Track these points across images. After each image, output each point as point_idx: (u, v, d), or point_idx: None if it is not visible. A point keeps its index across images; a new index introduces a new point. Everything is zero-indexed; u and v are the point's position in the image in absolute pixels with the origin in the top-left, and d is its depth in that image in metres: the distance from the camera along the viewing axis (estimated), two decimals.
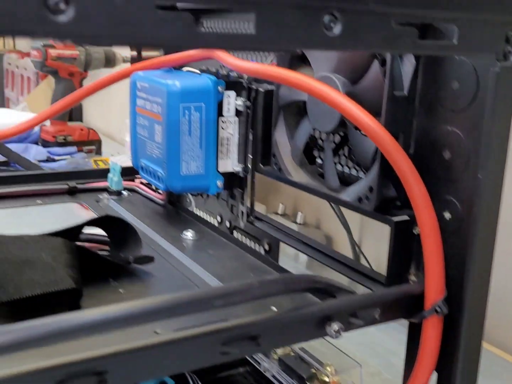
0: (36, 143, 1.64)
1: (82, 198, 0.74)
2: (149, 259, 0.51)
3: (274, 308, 0.47)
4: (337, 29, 0.32)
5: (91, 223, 0.51)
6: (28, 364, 0.33)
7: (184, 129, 0.62)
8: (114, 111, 2.14)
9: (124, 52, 1.70)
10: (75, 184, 0.75)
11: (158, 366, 0.37)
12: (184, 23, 0.28)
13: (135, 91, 0.69)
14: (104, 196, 0.75)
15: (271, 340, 0.41)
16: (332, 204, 1.00)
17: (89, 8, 0.26)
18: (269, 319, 0.40)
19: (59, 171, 0.78)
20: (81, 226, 0.51)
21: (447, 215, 0.46)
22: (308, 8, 0.31)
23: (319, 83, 0.46)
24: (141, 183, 0.79)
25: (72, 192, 0.75)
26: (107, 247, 0.54)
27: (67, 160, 1.55)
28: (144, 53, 1.36)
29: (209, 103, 0.62)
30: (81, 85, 1.64)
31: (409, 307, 0.46)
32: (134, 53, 1.42)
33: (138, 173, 0.79)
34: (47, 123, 1.78)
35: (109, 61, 1.65)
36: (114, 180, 0.75)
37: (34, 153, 1.54)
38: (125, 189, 0.77)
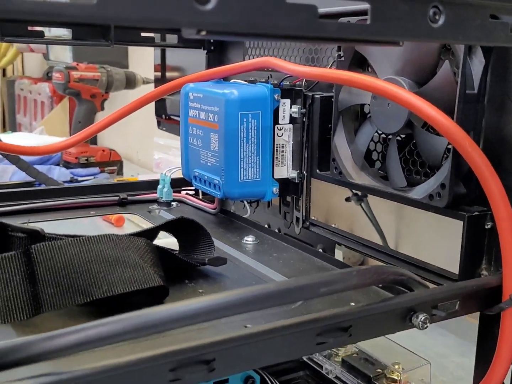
0: (58, 164, 1.66)
1: (133, 209, 0.75)
2: (222, 261, 0.52)
3: (353, 304, 0.47)
4: (440, 21, 0.33)
5: (167, 225, 0.52)
6: (143, 353, 0.34)
7: (242, 136, 0.63)
8: (130, 133, 2.16)
9: (143, 73, 1.73)
10: (125, 196, 0.76)
11: (261, 354, 0.38)
12: (309, 14, 0.29)
13: (187, 102, 0.71)
14: (155, 207, 0.76)
15: (362, 331, 0.42)
16: (367, 212, 1.01)
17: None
18: (361, 311, 0.41)
19: (111, 183, 0.79)
20: (158, 228, 0.52)
21: None
22: (417, 1, 0.32)
23: (394, 85, 0.47)
24: (187, 193, 0.81)
25: (122, 204, 0.76)
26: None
27: (91, 181, 1.56)
28: (168, 74, 1.38)
29: (265, 110, 0.64)
30: (102, 106, 1.66)
31: (487, 300, 0.47)
32: (158, 73, 1.44)
33: (184, 185, 0.81)
34: None
35: (130, 83, 1.67)
36: (164, 191, 0.76)
37: (57, 174, 1.56)
38: (173, 200, 0.78)
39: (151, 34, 0.80)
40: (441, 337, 0.82)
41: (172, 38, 0.83)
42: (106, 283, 0.42)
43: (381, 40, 0.32)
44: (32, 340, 0.31)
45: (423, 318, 0.43)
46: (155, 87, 1.57)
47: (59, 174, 1.56)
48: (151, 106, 1.87)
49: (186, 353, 0.35)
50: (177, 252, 0.53)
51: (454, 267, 0.54)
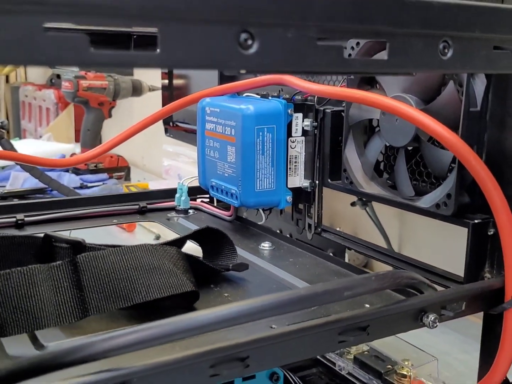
0: (67, 171, 1.69)
1: (152, 217, 0.79)
2: (245, 266, 0.56)
3: (367, 306, 0.52)
4: (449, 53, 0.37)
5: (194, 234, 0.57)
6: (188, 351, 0.38)
7: (258, 149, 0.67)
8: (134, 139, 2.20)
9: (149, 81, 1.76)
10: (145, 204, 0.80)
11: (290, 352, 0.42)
12: (337, 53, 0.34)
13: (203, 116, 0.75)
14: (173, 214, 0.80)
15: (378, 330, 0.46)
16: (372, 217, 1.06)
17: (268, 42, 0.31)
18: (377, 312, 0.45)
19: (130, 193, 0.83)
20: (186, 237, 0.56)
21: None
22: (429, 37, 0.37)
23: (403, 104, 0.51)
24: (202, 201, 0.85)
25: (142, 212, 0.80)
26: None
27: (100, 186, 1.60)
28: (175, 81, 1.43)
29: (280, 124, 0.68)
30: (110, 114, 1.70)
31: (490, 300, 0.52)
32: (165, 81, 1.48)
33: (199, 193, 0.86)
34: (77, 150, 1.84)
35: (136, 90, 1.71)
36: (182, 200, 0.80)
37: (67, 180, 1.59)
38: (190, 207, 0.82)
39: None
40: (444, 335, 0.86)
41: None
42: (145, 289, 0.46)
43: (397, 72, 0.37)
44: (93, 340, 0.35)
45: (433, 318, 0.47)
46: (162, 94, 1.61)
47: (69, 180, 1.59)
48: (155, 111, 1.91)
49: (224, 351, 0.39)
50: (202, 259, 0.57)
51: (456, 269, 0.58)
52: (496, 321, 0.53)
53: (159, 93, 1.60)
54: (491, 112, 0.53)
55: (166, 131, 1.34)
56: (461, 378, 0.77)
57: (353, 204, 1.01)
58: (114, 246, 0.50)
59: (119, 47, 0.28)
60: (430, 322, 0.47)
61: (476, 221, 0.53)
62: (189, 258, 0.53)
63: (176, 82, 1.36)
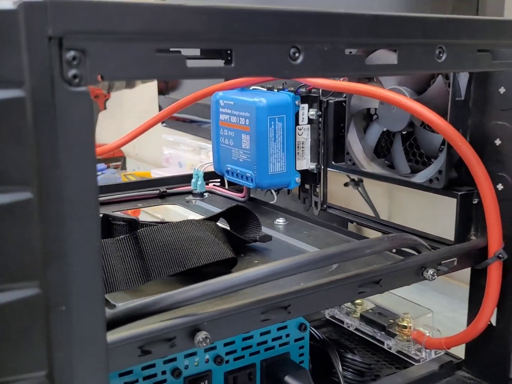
0: None
1: (172, 200, 0.89)
2: (269, 238, 0.66)
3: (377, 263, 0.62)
4: (443, 57, 0.47)
5: (226, 212, 0.66)
6: (244, 300, 0.48)
7: (271, 136, 0.77)
8: (126, 129, 2.27)
9: None
10: (165, 189, 0.89)
11: (321, 301, 0.52)
12: (359, 61, 0.43)
13: (218, 108, 0.84)
14: (190, 197, 0.89)
15: (389, 283, 0.56)
16: (363, 195, 1.15)
17: (310, 54, 0.41)
18: (388, 268, 0.55)
19: (151, 179, 0.92)
20: (219, 214, 0.65)
21: (499, 187, 0.61)
22: (427, 45, 0.46)
23: (399, 95, 0.61)
24: (214, 185, 0.94)
25: (162, 196, 0.89)
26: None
27: (99, 176, 1.68)
28: None
29: (289, 114, 0.77)
30: (105, 106, 1.78)
31: (476, 257, 0.62)
32: None
33: (210, 178, 0.95)
34: None
35: (129, 82, 1.79)
36: (198, 184, 0.90)
37: None
38: (205, 191, 0.91)
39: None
40: (434, 298, 0.97)
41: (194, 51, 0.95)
42: (195, 257, 0.55)
43: (403, 73, 0.46)
44: (170, 294, 0.45)
45: (432, 272, 0.57)
46: (158, 86, 1.70)
47: None
48: (150, 104, 1.99)
49: (272, 301, 0.49)
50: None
51: (444, 235, 0.68)
52: (482, 275, 0.63)
53: (147, 86, 1.68)
54: (473, 100, 0.63)
55: (162, 121, 1.42)
56: (451, 332, 0.88)
57: (346, 184, 1.10)
58: (162, 223, 0.59)
59: (206, 62, 0.37)
60: (430, 275, 0.57)
61: (463, 192, 0.64)
62: (225, 231, 0.62)
63: None
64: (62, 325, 0.35)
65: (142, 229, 0.55)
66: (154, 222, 0.61)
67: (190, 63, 0.37)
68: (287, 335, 0.59)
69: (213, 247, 0.57)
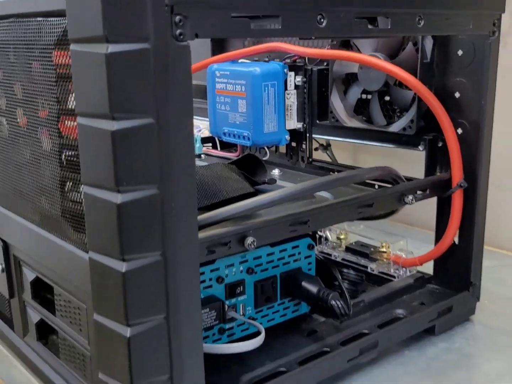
0: None
1: None
2: (275, 180, 0.80)
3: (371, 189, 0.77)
4: (422, 23, 0.62)
5: (238, 160, 0.79)
6: (276, 215, 0.61)
7: (265, 100, 0.90)
8: None
9: None
10: None
11: (331, 219, 0.66)
12: (365, 25, 0.57)
13: (214, 78, 0.97)
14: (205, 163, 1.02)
15: (380, 206, 0.71)
16: (331, 157, 1.29)
17: (331, 20, 0.55)
18: (379, 193, 0.70)
19: None
20: (235, 162, 0.79)
21: (459, 131, 0.77)
22: (411, 13, 0.61)
23: (378, 59, 0.76)
24: (207, 149, 1.07)
25: None
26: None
27: None
28: None
29: (279, 81, 0.91)
30: None
31: (443, 188, 0.78)
32: None
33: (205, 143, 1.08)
34: None
35: None
36: (196, 146, 1.02)
37: None
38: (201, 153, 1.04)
39: None
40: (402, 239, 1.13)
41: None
42: (225, 191, 0.69)
43: (390, 36, 0.61)
44: (221, 211, 0.58)
45: (411, 197, 0.73)
46: None
47: None
48: None
49: (297, 216, 0.63)
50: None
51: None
52: (446, 203, 0.79)
53: None
54: (437, 62, 0.78)
55: None
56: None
57: (316, 149, 1.26)
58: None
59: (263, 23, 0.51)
60: (409, 200, 0.73)
61: (430, 137, 0.79)
62: (241, 173, 0.75)
63: None
64: (171, 218, 0.48)
65: None
66: None
67: (253, 26, 0.50)
68: (299, 253, 0.73)
69: (237, 184, 0.70)
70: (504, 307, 0.87)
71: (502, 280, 0.97)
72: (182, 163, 0.48)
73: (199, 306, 0.52)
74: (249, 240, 0.59)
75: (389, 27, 0.59)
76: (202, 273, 0.64)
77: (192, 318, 0.52)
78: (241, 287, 0.68)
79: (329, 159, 1.28)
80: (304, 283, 0.70)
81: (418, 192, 0.76)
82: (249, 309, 0.69)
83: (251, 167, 0.80)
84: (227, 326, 0.67)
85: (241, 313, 0.68)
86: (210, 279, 0.65)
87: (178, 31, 0.46)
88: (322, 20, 0.54)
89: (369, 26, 0.58)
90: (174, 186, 0.48)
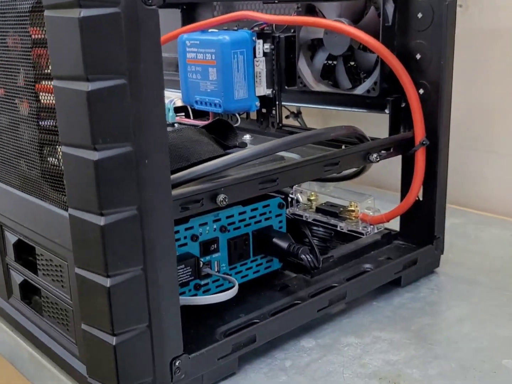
0: None
1: None
2: (245, 144, 0.83)
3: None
4: None
5: (209, 124, 0.82)
6: (246, 173, 0.65)
7: (234, 67, 0.93)
8: None
9: None
10: None
11: (299, 176, 0.70)
12: None
13: (184, 48, 0.99)
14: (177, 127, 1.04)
15: (345, 164, 0.74)
16: (302, 124, 1.33)
17: None
18: (345, 152, 0.74)
19: None
20: (205, 126, 0.81)
21: (421, 91, 0.81)
22: None
23: (343, 23, 0.79)
24: (180, 118, 1.09)
25: None
26: None
27: None
28: None
29: (248, 48, 0.93)
30: None
31: (406, 146, 0.82)
32: None
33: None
34: None
35: None
36: (169, 115, 1.05)
37: None
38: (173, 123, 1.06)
39: None
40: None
41: None
42: (197, 153, 0.72)
43: None
44: (193, 170, 0.61)
45: (375, 155, 0.77)
46: None
47: None
48: None
49: (265, 174, 0.66)
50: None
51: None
52: (410, 161, 0.83)
53: None
54: (398, 25, 0.81)
55: None
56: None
57: (287, 117, 1.29)
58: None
59: None
60: (374, 158, 0.76)
61: (393, 97, 0.83)
62: (213, 137, 0.78)
63: None
64: (146, 174, 0.51)
65: None
66: None
67: None
68: (270, 212, 0.76)
69: (208, 147, 0.73)
70: (467, 259, 0.92)
71: (466, 235, 1.02)
72: (153, 122, 0.51)
73: (175, 258, 0.55)
74: (221, 197, 0.62)
75: None
76: (177, 232, 0.67)
77: (168, 269, 0.55)
78: (215, 245, 0.71)
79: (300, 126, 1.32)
80: (275, 240, 0.74)
81: (382, 151, 0.79)
82: (224, 265, 0.73)
83: (222, 131, 0.83)
84: (203, 282, 0.70)
85: (216, 269, 0.72)
86: (185, 237, 0.68)
87: None
88: None
89: None
90: (147, 144, 0.51)
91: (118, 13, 0.47)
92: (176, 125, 1.06)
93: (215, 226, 0.71)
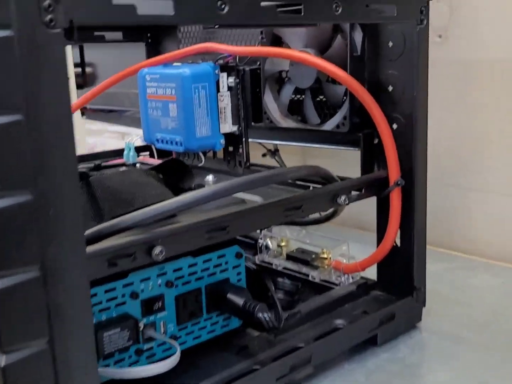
0: None
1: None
2: (202, 186, 0.75)
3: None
4: (340, 10, 0.58)
5: (163, 164, 0.74)
6: (191, 220, 0.56)
7: (196, 103, 0.85)
8: None
9: None
10: (99, 163, 0.96)
11: (255, 223, 0.61)
12: (274, 11, 0.53)
13: (144, 83, 0.92)
14: (124, 169, 0.96)
15: (310, 208, 0.66)
16: (280, 163, 1.25)
17: (234, 7, 0.50)
18: (309, 194, 0.66)
19: (84, 154, 0.98)
20: (157, 167, 0.73)
21: (394, 126, 0.73)
22: (326, 1, 0.57)
23: (308, 54, 0.72)
24: (144, 157, 1.02)
25: (97, 169, 0.95)
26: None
27: None
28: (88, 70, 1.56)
29: (210, 82, 0.86)
30: None
31: (380, 187, 0.74)
32: (78, 69, 1.60)
33: (141, 151, 1.03)
34: None
35: None
36: (130, 155, 0.97)
37: None
38: (136, 162, 0.98)
39: (102, 33, 1.00)
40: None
41: (116, 35, 1.03)
42: (142, 197, 0.64)
43: (308, 23, 0.57)
44: (131, 215, 0.53)
45: (344, 198, 0.68)
46: (76, 82, 1.74)
47: None
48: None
49: (213, 221, 0.58)
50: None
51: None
52: (385, 203, 0.75)
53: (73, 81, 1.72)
54: (368, 54, 0.74)
55: (82, 114, 1.47)
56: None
57: (264, 155, 1.21)
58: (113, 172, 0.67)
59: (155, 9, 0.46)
60: (342, 201, 0.68)
61: (365, 132, 0.75)
62: (164, 180, 0.70)
63: (89, 70, 1.49)
64: (51, 226, 0.43)
65: (94, 176, 0.63)
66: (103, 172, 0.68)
67: (141, 11, 0.45)
68: (226, 263, 0.68)
69: (156, 190, 0.65)
70: (452, 311, 0.83)
71: (452, 282, 0.93)
72: (59, 165, 0.43)
73: (91, 326, 0.47)
74: (157, 249, 0.53)
75: (302, 13, 0.55)
76: (113, 289, 0.59)
77: (82, 341, 0.46)
78: (160, 303, 0.62)
79: (277, 165, 1.24)
80: (229, 295, 0.65)
81: (353, 192, 0.71)
82: (171, 326, 0.64)
83: (176, 172, 0.75)
84: (145, 346, 0.61)
85: (162, 331, 0.63)
86: (123, 295, 0.60)
87: (48, 17, 0.41)
88: (223, 6, 0.50)
89: (279, 13, 0.53)
90: (51, 191, 0.42)
91: (10, 37, 0.39)
92: (137, 165, 0.98)
93: (160, 281, 0.62)
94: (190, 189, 0.74)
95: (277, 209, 0.63)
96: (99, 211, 0.62)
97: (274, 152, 1.22)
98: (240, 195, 0.78)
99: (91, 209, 0.62)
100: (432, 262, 0.80)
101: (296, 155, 1.32)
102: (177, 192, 0.70)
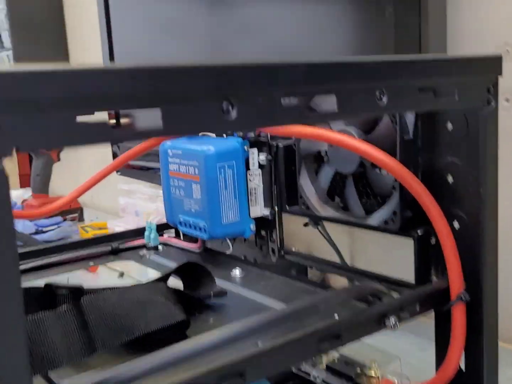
0: None
1: (126, 256, 0.85)
2: (224, 293, 0.63)
3: (336, 316, 0.59)
4: (385, 99, 0.46)
5: (177, 270, 0.63)
6: (196, 370, 0.44)
7: (221, 184, 0.74)
8: (82, 179, 2.22)
9: None
10: (117, 245, 0.85)
11: (279, 362, 0.49)
12: (298, 110, 0.41)
13: (166, 158, 0.81)
14: (144, 252, 0.86)
15: (349, 336, 0.53)
16: (324, 235, 1.13)
17: (245, 107, 0.39)
18: (348, 321, 0.53)
19: (102, 235, 0.88)
20: (169, 274, 0.62)
21: (456, 225, 0.60)
22: (367, 89, 0.45)
23: (348, 136, 0.60)
24: (169, 237, 0.91)
25: (115, 252, 0.85)
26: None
27: (56, 230, 1.63)
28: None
29: (238, 160, 0.75)
30: (59, 157, 1.74)
31: (439, 300, 0.60)
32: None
33: (165, 228, 0.92)
34: (26, 196, 1.85)
35: None
36: (151, 237, 0.86)
37: (21, 227, 1.61)
38: (159, 243, 0.88)
39: None
40: (403, 336, 0.94)
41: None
42: (143, 323, 0.52)
43: (344, 119, 0.45)
44: (117, 372, 0.41)
45: (393, 320, 0.55)
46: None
47: (24, 227, 1.61)
48: (104, 152, 1.96)
49: (226, 368, 0.45)
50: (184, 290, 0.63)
51: (405, 275, 0.66)
52: (446, 317, 0.61)
53: None
54: (422, 138, 0.61)
55: (117, 170, 1.38)
56: (421, 373, 0.85)
57: (306, 224, 1.09)
58: (110, 288, 0.55)
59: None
60: (392, 324, 0.55)
61: (419, 232, 0.62)
62: (175, 291, 0.59)
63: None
64: None
65: (85, 298, 0.52)
66: (101, 288, 0.57)
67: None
68: None
69: (162, 310, 0.54)
70: None
71: None
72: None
73: None
74: None
75: (336, 108, 0.43)
76: None
77: None
78: None
79: (321, 238, 1.11)
80: None
81: (405, 308, 0.58)
82: None
83: (193, 276, 0.64)
84: None
85: None
86: None
87: None
88: (230, 108, 0.38)
89: (304, 112, 0.41)
90: None
91: None
92: (160, 247, 0.88)
93: None
94: (209, 296, 0.62)
95: (308, 342, 0.50)
96: (90, 341, 0.51)
97: (317, 222, 1.10)
98: (259, 298, 0.66)
99: (80, 340, 0.51)
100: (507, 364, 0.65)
101: (341, 225, 1.19)
102: (190, 305, 0.59)
